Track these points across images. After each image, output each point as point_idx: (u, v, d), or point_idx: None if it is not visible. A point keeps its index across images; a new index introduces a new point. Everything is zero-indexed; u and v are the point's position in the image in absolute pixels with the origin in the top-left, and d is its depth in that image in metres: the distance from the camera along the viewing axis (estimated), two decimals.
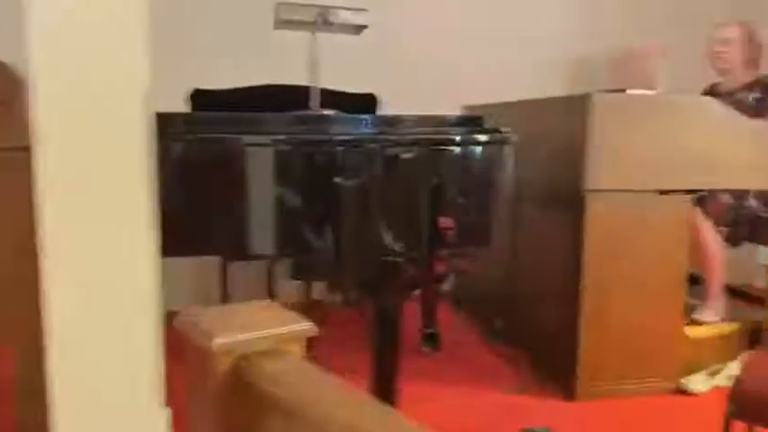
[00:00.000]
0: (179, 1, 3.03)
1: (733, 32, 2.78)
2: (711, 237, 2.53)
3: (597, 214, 2.12)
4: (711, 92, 2.96)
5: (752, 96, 2.74)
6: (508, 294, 2.70)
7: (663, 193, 2.18)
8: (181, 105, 2.58)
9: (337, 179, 1.58)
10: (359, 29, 2.41)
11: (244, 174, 1.57)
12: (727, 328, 2.53)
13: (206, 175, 1.63)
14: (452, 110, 3.31)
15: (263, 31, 2.42)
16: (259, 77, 2.69)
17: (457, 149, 1.68)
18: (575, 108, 2.16)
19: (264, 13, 2.23)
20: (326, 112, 2.05)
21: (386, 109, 2.89)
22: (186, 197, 1.66)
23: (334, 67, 2.50)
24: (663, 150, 2.15)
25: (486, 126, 1.97)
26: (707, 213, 2.51)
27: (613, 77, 2.60)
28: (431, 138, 1.66)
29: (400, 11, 3.26)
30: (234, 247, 1.60)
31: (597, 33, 3.52)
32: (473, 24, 3.43)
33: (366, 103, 2.79)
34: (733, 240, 2.65)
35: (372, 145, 1.63)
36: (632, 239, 2.17)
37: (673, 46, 3.60)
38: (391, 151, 1.62)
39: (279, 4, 2.15)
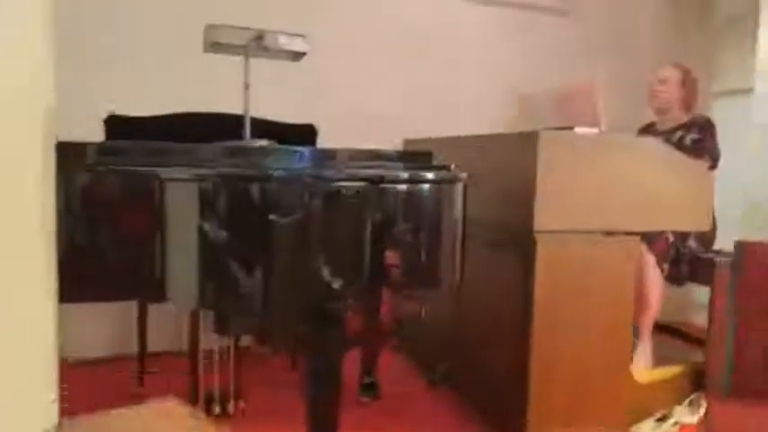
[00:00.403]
0: (96, 14, 2.80)
1: (671, 73, 2.84)
2: (653, 273, 2.50)
3: (547, 256, 2.03)
4: (648, 131, 3.00)
5: (690, 137, 2.77)
6: (453, 337, 2.57)
7: (608, 234, 2.12)
8: (94, 132, 2.33)
9: (270, 217, 1.41)
10: (297, 55, 2.27)
11: (162, 212, 1.37)
12: (671, 371, 2.49)
13: (117, 212, 1.42)
14: (393, 143, 3.23)
15: (192, 54, 2.23)
16: (186, 104, 2.48)
17: (404, 187, 1.54)
18: (523, 146, 2.09)
19: (194, 34, 2.06)
20: (260, 143, 1.88)
21: (326, 141, 2.75)
22: (93, 236, 1.44)
23: (270, 95, 2.35)
24: (609, 190, 2.10)
25: (435, 163, 1.84)
26: (651, 249, 2.48)
27: (556, 114, 2.55)
28: (375, 174, 1.51)
29: (341, 39, 3.15)
30: (147, 297, 1.39)
31: (538, 68, 3.54)
32: (416, 56, 3.36)
33: (305, 134, 2.63)
34: (675, 279, 2.64)
35: (310, 180, 1.47)
36: (581, 281, 2.09)
37: (610, 83, 3.71)
38: (332, 188, 1.47)
39: (209, 25, 1.98)
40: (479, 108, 3.43)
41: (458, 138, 2.75)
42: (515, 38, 3.54)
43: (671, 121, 2.88)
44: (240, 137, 2.02)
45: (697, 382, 2.52)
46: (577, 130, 2.32)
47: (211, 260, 1.37)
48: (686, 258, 2.63)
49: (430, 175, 1.60)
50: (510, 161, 2.20)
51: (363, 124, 3.16)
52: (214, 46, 2.01)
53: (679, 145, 2.75)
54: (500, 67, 3.50)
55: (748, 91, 4.20)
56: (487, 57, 3.49)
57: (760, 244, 2.33)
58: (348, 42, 3.20)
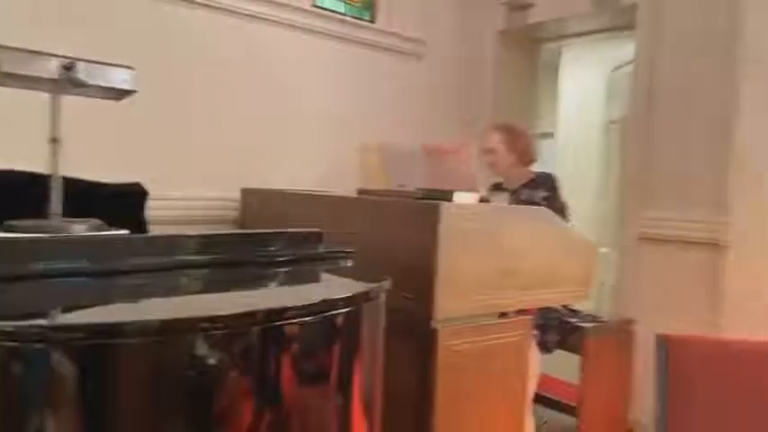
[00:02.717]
0: None
1: (495, 141, 2.72)
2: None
3: (448, 348, 1.73)
4: (499, 189, 2.90)
5: (540, 195, 2.72)
6: None
7: (503, 315, 1.91)
8: None
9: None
10: (122, 93, 1.73)
11: None
12: None
13: None
14: (230, 192, 2.74)
15: None
16: None
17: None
18: (419, 217, 1.79)
19: None
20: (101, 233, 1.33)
21: (152, 196, 2.17)
22: None
23: (83, 144, 1.75)
24: (507, 267, 1.88)
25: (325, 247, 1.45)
26: None
27: (426, 174, 2.31)
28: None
29: (170, 78, 2.57)
30: None
31: (388, 115, 3.32)
32: (257, 96, 2.90)
33: (130, 197, 2.02)
34: (544, 347, 2.54)
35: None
36: (481, 373, 1.84)
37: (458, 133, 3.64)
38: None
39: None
40: (326, 157, 3.09)
41: (323, 197, 2.38)
42: (365, 80, 3.27)
43: (516, 180, 2.81)
44: (44, 210, 1.42)
45: None
46: (457, 194, 2.11)
47: None
48: (554, 324, 2.55)
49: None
50: (400, 232, 1.87)
51: (198, 173, 2.63)
52: (8, 77, 1.39)
53: (530, 203, 2.69)
54: (347, 112, 3.19)
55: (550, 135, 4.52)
56: (333, 99, 3.16)
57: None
58: (179, 83, 2.63)
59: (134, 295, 1.18)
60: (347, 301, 1.13)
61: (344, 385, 1.18)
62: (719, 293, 2.65)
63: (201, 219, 2.65)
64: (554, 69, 4.39)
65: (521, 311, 1.97)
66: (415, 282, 1.75)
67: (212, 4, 2.70)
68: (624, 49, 3.71)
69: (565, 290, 2.08)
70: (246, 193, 2.79)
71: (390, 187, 2.47)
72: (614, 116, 3.93)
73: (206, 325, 0.97)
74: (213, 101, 2.73)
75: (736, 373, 1.54)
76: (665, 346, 1.57)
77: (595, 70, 4.26)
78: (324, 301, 1.11)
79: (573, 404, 2.51)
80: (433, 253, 1.71)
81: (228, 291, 1.28)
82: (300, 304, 1.08)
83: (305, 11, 3.00)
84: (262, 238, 1.41)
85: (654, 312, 2.90)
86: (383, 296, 1.28)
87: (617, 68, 3.88)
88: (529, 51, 3.86)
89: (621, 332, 2.55)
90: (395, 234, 1.89)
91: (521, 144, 2.74)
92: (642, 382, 2.75)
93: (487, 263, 1.84)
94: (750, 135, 2.57)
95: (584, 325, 2.44)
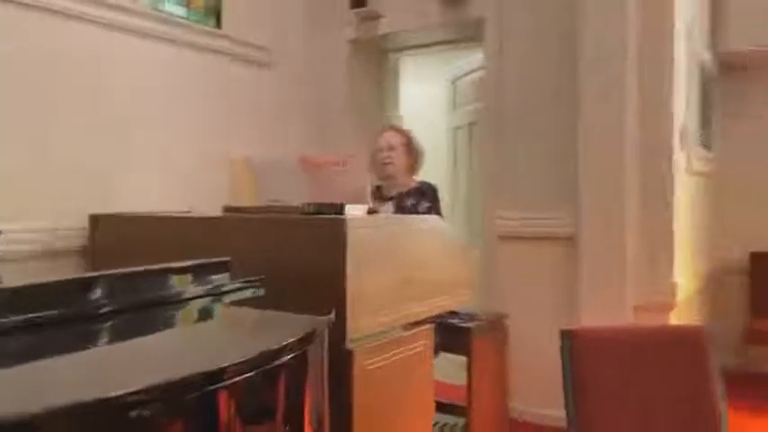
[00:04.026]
0: None
1: (397, 140, 2.80)
2: None
3: (363, 369, 1.66)
4: (379, 196, 2.91)
5: (423, 205, 2.77)
6: None
7: (409, 326, 1.89)
8: None
9: None
10: None
11: None
12: None
13: None
14: (78, 218, 2.38)
15: None
16: None
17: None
18: (321, 233, 1.69)
19: None
20: None
21: None
22: None
23: None
24: (409, 279, 1.86)
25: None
26: None
27: (308, 187, 2.21)
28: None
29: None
30: None
31: (239, 125, 3.14)
32: (90, 116, 2.56)
33: None
34: None
35: None
36: (395, 388, 1.79)
37: (309, 144, 3.55)
38: None
39: None
40: (177, 172, 2.83)
41: (190, 219, 2.16)
42: (213, 88, 3.05)
43: (399, 187, 2.85)
44: None
45: None
46: (349, 207, 2.05)
47: None
48: (438, 328, 2.59)
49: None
50: (296, 251, 1.76)
51: (20, 199, 2.24)
52: None
53: (413, 212, 2.73)
54: (194, 121, 2.95)
55: None
56: (177, 108, 2.89)
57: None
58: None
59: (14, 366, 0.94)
60: (295, 346, 1.01)
61: None
62: (574, 284, 2.89)
63: (42, 253, 2.28)
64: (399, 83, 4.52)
65: (422, 321, 1.97)
66: (323, 302, 1.65)
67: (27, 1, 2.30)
68: (466, 59, 3.94)
69: (457, 294, 2.12)
70: (95, 219, 2.45)
71: (260, 203, 2.33)
72: (459, 122, 4.14)
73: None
74: (37, 113, 2.34)
75: (631, 357, 1.67)
76: (570, 340, 1.66)
77: (440, 79, 4.46)
78: (271, 351, 0.98)
79: (459, 404, 2.57)
80: (341, 271, 1.63)
81: (143, 342, 1.08)
82: (246, 357, 0.94)
83: (141, 14, 2.70)
84: (164, 274, 1.23)
85: (517, 306, 3.09)
86: (326, 332, 1.18)
87: (459, 78, 4.10)
88: (377, 61, 3.91)
89: (498, 328, 2.67)
90: (288, 254, 1.77)
91: (415, 150, 2.80)
92: (515, 373, 2.92)
93: (389, 276, 1.80)
94: (591, 122, 2.83)
95: (466, 325, 2.51)
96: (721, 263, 4.10)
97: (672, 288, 2.76)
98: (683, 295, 2.94)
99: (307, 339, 1.06)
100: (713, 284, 3.97)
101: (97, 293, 1.10)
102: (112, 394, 0.77)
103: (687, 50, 3.18)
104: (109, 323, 1.10)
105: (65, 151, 2.41)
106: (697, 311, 3.47)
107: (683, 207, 3.08)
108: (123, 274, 1.15)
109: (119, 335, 1.10)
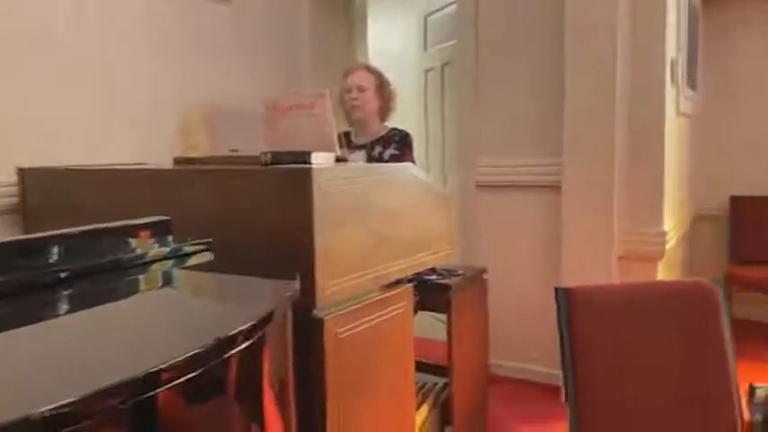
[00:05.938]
0: None
1: (368, 80, 2.53)
2: None
3: (335, 339, 1.46)
4: (348, 143, 2.66)
5: (388, 152, 2.55)
6: None
7: (386, 288, 1.69)
8: None
9: None
10: None
11: None
12: (424, 411, 2.26)
13: None
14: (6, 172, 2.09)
15: None
16: None
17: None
18: (284, 186, 1.46)
19: None
20: None
21: None
22: None
23: None
24: (383, 236, 1.65)
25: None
26: None
27: (269, 135, 1.96)
28: None
29: None
30: None
31: (194, 67, 2.82)
32: (26, 57, 2.22)
33: None
34: None
35: None
36: (370, 358, 1.60)
37: (268, 82, 3.25)
38: None
39: None
40: (129, 124, 2.53)
41: (135, 171, 1.89)
42: (161, 27, 2.71)
43: (368, 135, 2.61)
44: None
45: (446, 418, 2.36)
46: (315, 155, 1.80)
47: None
48: (414, 285, 2.40)
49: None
50: (254, 208, 1.52)
51: None
52: None
53: (378, 160, 2.52)
54: (141, 63, 2.62)
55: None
56: (123, 50, 2.56)
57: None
58: None
59: None
60: (252, 329, 0.79)
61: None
62: (557, 235, 2.73)
63: None
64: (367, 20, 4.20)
65: (400, 281, 1.77)
66: (288, 265, 1.43)
67: None
68: None
69: (439, 250, 1.93)
70: (26, 173, 2.16)
71: (218, 153, 2.07)
72: (431, 64, 3.87)
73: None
74: None
75: (632, 316, 1.51)
76: (566, 298, 1.48)
77: (408, 19, 4.16)
78: (216, 343, 0.76)
79: (440, 364, 2.42)
80: (308, 230, 1.41)
81: (50, 328, 0.85)
82: (181, 357, 0.72)
83: None
84: (100, 236, 0.99)
85: (497, 258, 2.93)
86: (290, 302, 0.96)
87: (431, 13, 3.80)
88: (342, 3, 3.59)
89: (477, 283, 2.50)
90: (246, 211, 1.53)
91: (387, 91, 2.56)
92: (495, 327, 2.78)
93: (362, 233, 1.59)
94: (578, 60, 2.60)
95: (446, 282, 2.33)
96: (701, 207, 4.00)
97: (662, 238, 2.61)
98: (670, 244, 2.81)
99: (265, 320, 0.85)
100: (692, 230, 3.88)
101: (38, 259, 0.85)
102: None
103: None
104: (12, 308, 0.86)
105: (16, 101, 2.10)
106: (679, 260, 3.37)
107: (673, 151, 2.91)
108: (28, 240, 0.91)
109: (21, 321, 0.86)
